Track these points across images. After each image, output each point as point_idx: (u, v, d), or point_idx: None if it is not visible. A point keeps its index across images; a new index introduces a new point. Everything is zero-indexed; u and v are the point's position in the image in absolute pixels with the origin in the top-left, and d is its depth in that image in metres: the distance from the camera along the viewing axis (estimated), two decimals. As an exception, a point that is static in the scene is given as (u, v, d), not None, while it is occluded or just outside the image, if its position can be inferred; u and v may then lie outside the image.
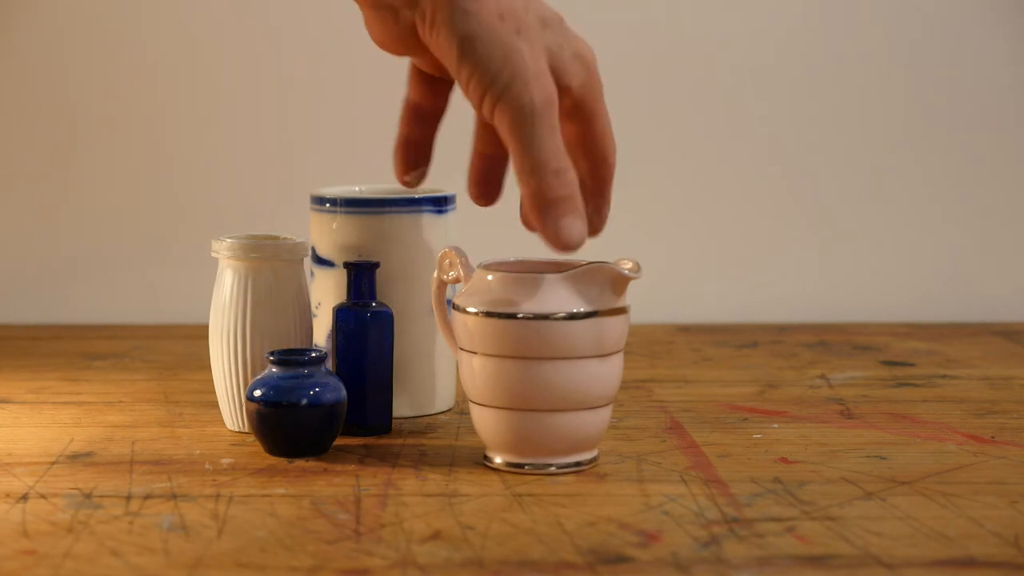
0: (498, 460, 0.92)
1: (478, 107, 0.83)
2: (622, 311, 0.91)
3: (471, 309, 0.91)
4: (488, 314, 0.90)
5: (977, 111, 1.47)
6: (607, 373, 0.91)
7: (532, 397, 0.90)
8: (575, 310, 0.89)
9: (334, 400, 0.95)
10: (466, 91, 0.83)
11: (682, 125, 1.47)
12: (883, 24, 1.47)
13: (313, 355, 0.95)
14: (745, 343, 1.34)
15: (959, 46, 1.47)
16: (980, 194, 1.48)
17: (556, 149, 0.82)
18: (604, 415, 0.92)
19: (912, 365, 1.24)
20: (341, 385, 0.96)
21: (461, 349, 0.93)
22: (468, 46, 0.81)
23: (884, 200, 1.48)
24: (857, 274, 1.48)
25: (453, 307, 0.93)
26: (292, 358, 0.95)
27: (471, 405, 0.93)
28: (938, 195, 1.48)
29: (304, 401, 0.94)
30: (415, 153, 0.92)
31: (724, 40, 1.46)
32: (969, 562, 0.76)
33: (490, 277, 0.91)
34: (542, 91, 0.81)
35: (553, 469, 0.91)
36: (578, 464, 0.92)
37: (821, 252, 1.48)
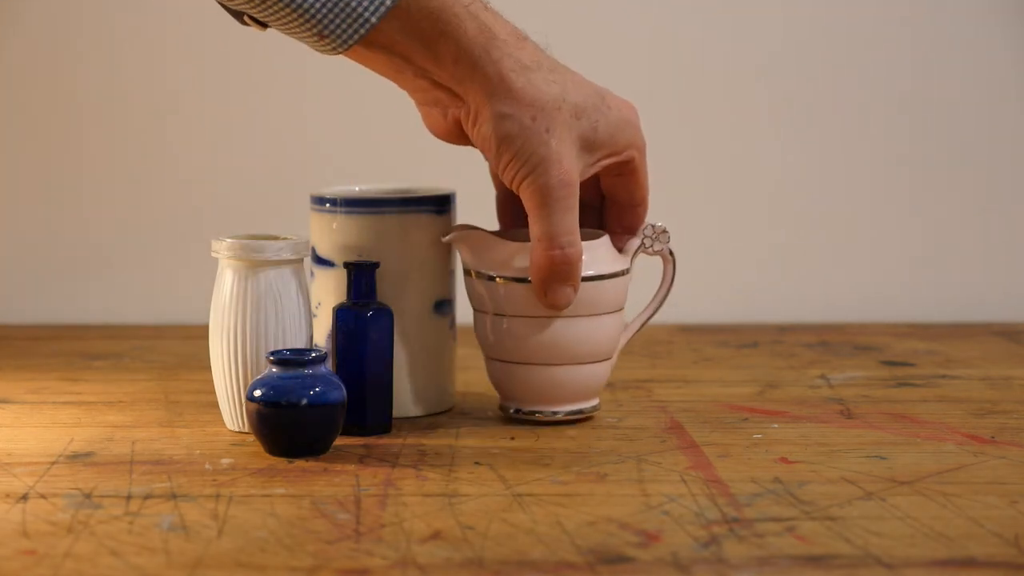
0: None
1: (511, 185, 0.98)
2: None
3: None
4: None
5: (977, 111, 1.47)
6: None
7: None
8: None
9: (334, 400, 0.95)
10: (503, 174, 0.98)
11: (681, 125, 1.47)
12: (883, 25, 1.47)
13: (313, 355, 0.95)
14: (745, 343, 1.34)
15: (961, 48, 1.47)
16: (980, 194, 1.48)
17: (568, 226, 0.97)
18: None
19: (912, 365, 1.24)
20: (341, 385, 0.96)
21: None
22: (506, 144, 0.97)
23: (884, 200, 1.48)
24: (857, 274, 1.48)
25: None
26: (292, 358, 0.95)
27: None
28: (938, 195, 1.48)
29: (304, 401, 0.94)
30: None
31: (723, 40, 1.46)
32: (969, 562, 0.76)
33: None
34: (562, 176, 0.97)
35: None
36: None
37: (821, 252, 1.48)
